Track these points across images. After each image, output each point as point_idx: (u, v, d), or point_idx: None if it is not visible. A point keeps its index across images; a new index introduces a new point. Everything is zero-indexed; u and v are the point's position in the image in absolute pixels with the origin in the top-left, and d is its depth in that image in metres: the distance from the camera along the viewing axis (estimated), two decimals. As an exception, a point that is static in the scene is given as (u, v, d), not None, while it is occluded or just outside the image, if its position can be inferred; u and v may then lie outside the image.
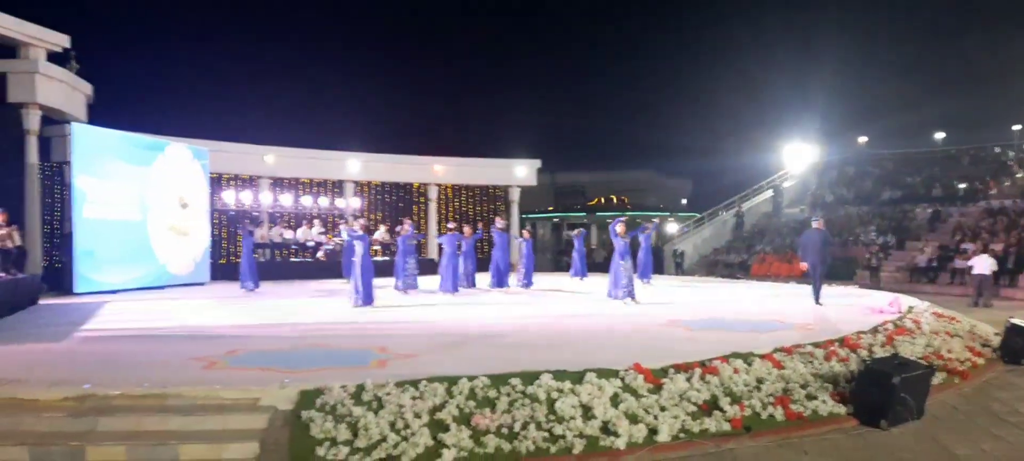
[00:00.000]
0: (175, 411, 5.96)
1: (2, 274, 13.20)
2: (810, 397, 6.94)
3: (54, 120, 19.23)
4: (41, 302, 14.99)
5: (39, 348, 8.93)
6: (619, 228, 14.62)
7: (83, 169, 17.25)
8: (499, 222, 19.75)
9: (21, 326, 11.27)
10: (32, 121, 18.09)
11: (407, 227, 18.00)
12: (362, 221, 17.44)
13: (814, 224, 14.60)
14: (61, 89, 18.84)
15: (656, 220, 17.44)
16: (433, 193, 28.94)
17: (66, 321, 11.86)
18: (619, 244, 14.55)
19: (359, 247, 14.20)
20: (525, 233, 21.05)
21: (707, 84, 55.00)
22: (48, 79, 18.26)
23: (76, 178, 17.16)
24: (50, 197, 19.66)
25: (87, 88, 20.44)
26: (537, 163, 30.71)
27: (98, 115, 20.82)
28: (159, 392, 6.20)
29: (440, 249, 21.98)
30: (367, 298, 13.95)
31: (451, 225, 20.51)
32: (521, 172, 30.05)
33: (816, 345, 8.50)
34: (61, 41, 18.80)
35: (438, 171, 28.77)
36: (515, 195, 30.44)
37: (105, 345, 9.26)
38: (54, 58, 18.76)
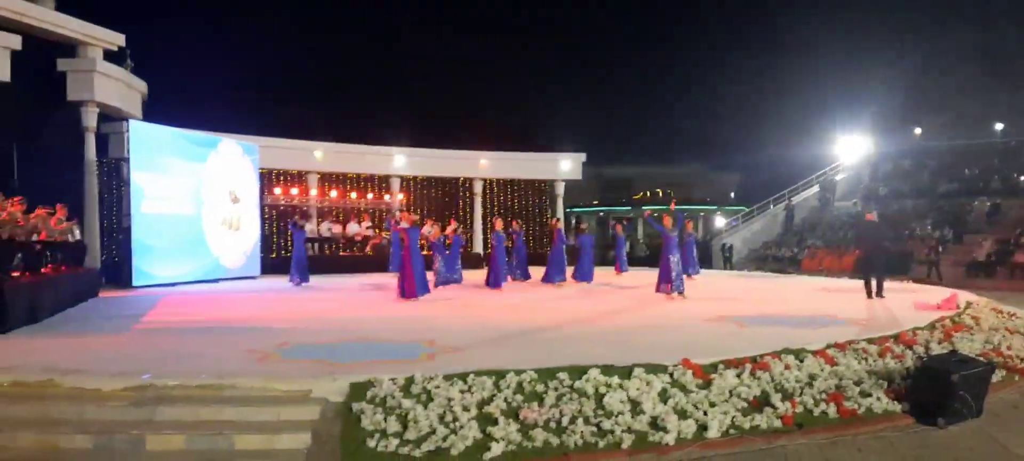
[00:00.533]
0: (230, 402, 6.10)
1: (63, 268, 13.61)
2: (864, 394, 6.81)
3: (111, 117, 19.76)
4: (101, 295, 15.44)
5: (100, 339, 9.21)
6: (667, 222, 14.51)
7: (140, 165, 17.72)
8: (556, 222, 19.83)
9: (83, 318, 11.64)
10: (90, 119, 18.60)
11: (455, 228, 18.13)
12: (410, 215, 17.64)
13: (870, 216, 14.42)
14: (118, 87, 19.34)
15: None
16: (478, 187, 29.04)
17: (125, 313, 12.22)
18: (668, 238, 14.45)
19: (408, 241, 14.42)
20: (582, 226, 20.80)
21: (757, 75, 54.14)
22: (105, 77, 18.75)
23: (133, 174, 17.62)
24: (108, 193, 20.21)
25: (142, 86, 20.94)
26: (582, 157, 30.60)
27: (152, 112, 21.36)
28: (215, 383, 6.35)
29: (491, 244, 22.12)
30: (419, 291, 14.13)
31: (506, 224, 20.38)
32: (566, 166, 29.99)
33: (870, 341, 8.34)
34: (117, 40, 19.30)
35: (483, 165, 28.85)
36: (560, 189, 30.37)
37: (162, 337, 9.52)
38: (110, 57, 19.27)
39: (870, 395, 6.79)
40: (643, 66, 57.24)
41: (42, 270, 12.45)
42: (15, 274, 10.98)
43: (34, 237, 12.27)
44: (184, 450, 5.51)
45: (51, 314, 11.46)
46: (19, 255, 11.44)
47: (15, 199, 12.66)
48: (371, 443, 5.48)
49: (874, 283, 13.90)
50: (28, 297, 10.61)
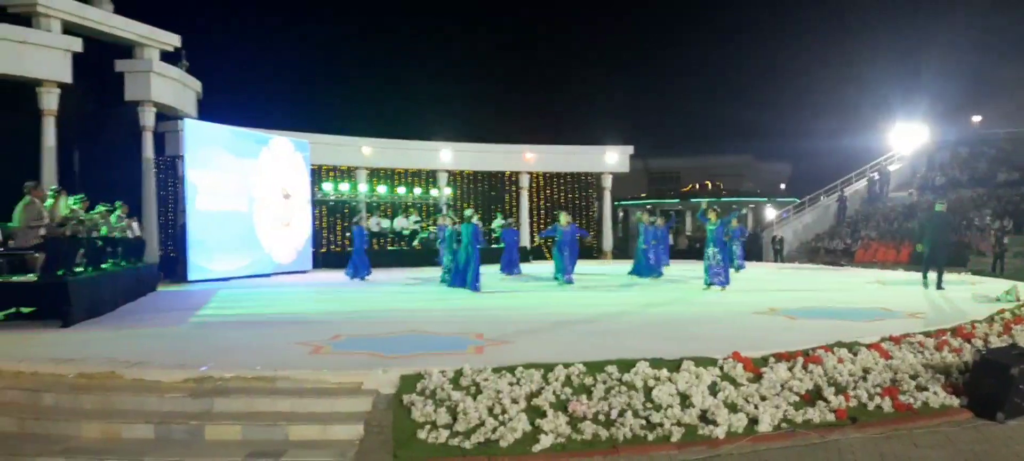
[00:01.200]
0: (285, 393, 6.24)
1: (123, 263, 14.02)
2: (921, 388, 6.67)
3: (167, 116, 20.26)
4: (159, 289, 15.87)
5: (159, 333, 9.49)
6: (711, 215, 14.45)
7: (195, 163, 18.15)
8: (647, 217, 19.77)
9: (143, 312, 11.98)
10: (147, 118, 19.10)
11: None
12: (464, 211, 17.87)
13: (939, 207, 14.21)
14: (173, 87, 19.82)
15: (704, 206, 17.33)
16: (524, 181, 29.08)
17: (182, 307, 12.55)
18: (713, 231, 14.33)
19: (466, 235, 14.71)
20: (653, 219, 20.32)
21: (808, 63, 53.02)
22: (162, 77, 19.24)
23: (189, 171, 18.06)
24: (164, 190, 20.74)
25: (197, 85, 21.43)
26: (629, 149, 30.44)
27: (206, 110, 21.84)
28: (270, 375, 6.50)
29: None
30: (473, 283, 14.67)
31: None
32: (613, 159, 29.86)
33: (926, 334, 8.16)
34: (173, 41, 19.79)
35: (529, 159, 28.88)
36: (607, 182, 30.26)
37: (218, 330, 9.76)
38: (166, 57, 19.76)
39: (927, 389, 6.64)
40: (691, 56, 56.48)
41: (103, 266, 12.83)
42: (78, 270, 11.35)
43: (96, 234, 12.64)
44: (240, 440, 5.65)
45: (112, 308, 11.82)
46: (82, 251, 11.81)
47: (78, 197, 13.07)
48: (422, 434, 5.55)
49: (933, 275, 13.70)
50: (90, 292, 10.95)
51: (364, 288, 15.88)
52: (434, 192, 27.58)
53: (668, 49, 55.89)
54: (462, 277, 15.18)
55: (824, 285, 15.67)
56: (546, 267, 23.16)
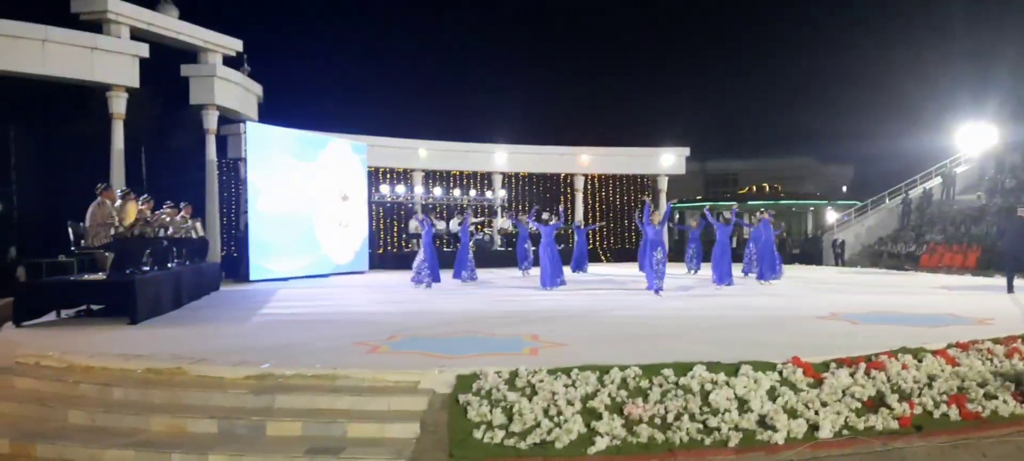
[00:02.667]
0: (344, 391, 6.34)
1: (187, 263, 14.42)
2: (989, 396, 6.45)
3: (229, 119, 20.78)
4: (222, 289, 16.28)
5: (223, 330, 9.75)
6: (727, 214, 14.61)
7: (256, 165, 18.56)
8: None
9: (207, 310, 12.32)
10: (211, 121, 19.63)
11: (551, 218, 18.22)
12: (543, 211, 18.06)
13: (1020, 212, 14.35)
14: (236, 90, 20.33)
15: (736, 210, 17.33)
16: (579, 183, 29.01)
17: (244, 306, 12.86)
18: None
19: (545, 235, 15.31)
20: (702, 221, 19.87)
21: (871, 63, 51.66)
22: (224, 81, 19.75)
23: (250, 173, 18.49)
24: (226, 191, 21.28)
25: (258, 89, 21.94)
26: (686, 151, 30.12)
27: (265, 114, 22.34)
28: (330, 373, 6.62)
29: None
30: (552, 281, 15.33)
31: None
32: (669, 160, 29.58)
33: (996, 341, 7.88)
34: (235, 46, 20.30)
35: (584, 161, 28.80)
36: (663, 184, 30.00)
37: (279, 329, 9.97)
38: (229, 62, 20.28)
39: (996, 397, 6.42)
40: (751, 57, 55.64)
41: (169, 265, 13.22)
42: (145, 269, 11.71)
43: (161, 234, 13.03)
44: (301, 436, 5.76)
45: (176, 306, 12.18)
46: (148, 251, 12.19)
47: (145, 198, 13.49)
48: (477, 434, 5.58)
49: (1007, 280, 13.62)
50: (156, 290, 11.30)
51: (420, 289, 15.96)
52: (489, 194, 27.69)
53: (727, 49, 55.22)
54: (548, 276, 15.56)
55: (888, 290, 15.27)
56: (599, 269, 23.09)
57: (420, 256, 16.54)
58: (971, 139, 32.89)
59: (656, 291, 13.94)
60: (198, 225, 16.17)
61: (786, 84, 53.22)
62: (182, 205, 15.02)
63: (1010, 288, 13.98)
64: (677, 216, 33.00)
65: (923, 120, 39.02)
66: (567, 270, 19.08)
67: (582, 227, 23.57)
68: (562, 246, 26.89)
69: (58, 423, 6.14)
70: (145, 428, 5.96)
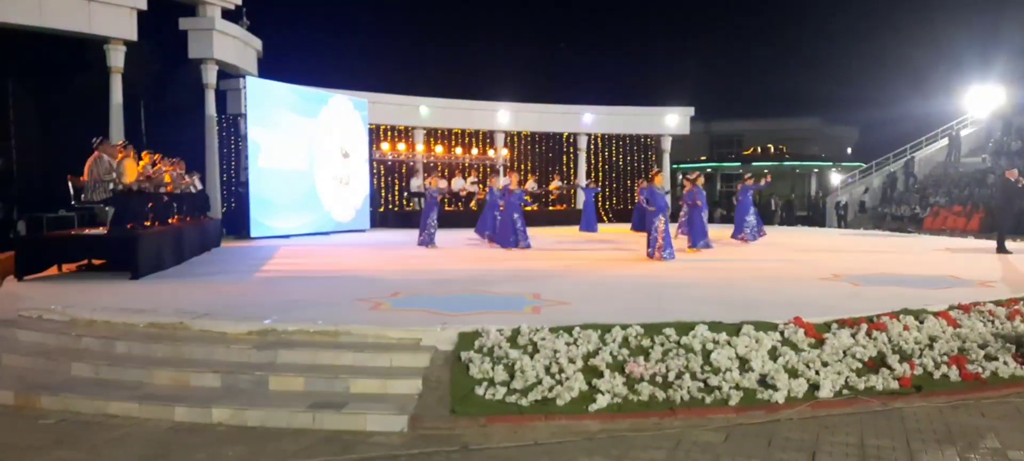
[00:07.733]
0: (346, 347, 6.36)
1: (188, 218, 14.41)
2: (989, 358, 6.47)
3: (228, 74, 20.59)
4: (223, 245, 16.28)
5: (225, 286, 9.75)
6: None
7: (256, 121, 18.45)
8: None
9: (209, 266, 12.33)
10: (210, 75, 19.43)
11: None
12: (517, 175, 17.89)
13: (1008, 173, 14.72)
14: (235, 45, 20.10)
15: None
16: (582, 143, 28.86)
17: (246, 262, 12.87)
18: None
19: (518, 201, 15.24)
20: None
21: (877, 24, 51.09)
22: (223, 35, 19.51)
23: (250, 129, 18.38)
24: (226, 147, 21.15)
25: (257, 43, 21.70)
26: (690, 111, 29.90)
27: (264, 69, 22.12)
28: (332, 329, 6.64)
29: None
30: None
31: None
32: (673, 121, 29.39)
33: (997, 303, 7.90)
34: (234, -1, 20.03)
35: (587, 120, 28.60)
36: (667, 145, 29.85)
37: (281, 285, 9.99)
38: (227, 15, 20.02)
39: (996, 359, 6.44)
40: (757, 16, 54.89)
41: (170, 220, 13.21)
42: (147, 224, 11.70)
43: (161, 189, 13.00)
44: (303, 391, 5.79)
45: (178, 262, 12.18)
46: (149, 206, 12.17)
47: (145, 153, 13.44)
48: (479, 391, 5.60)
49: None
50: (157, 246, 11.30)
51: (422, 248, 15.91)
52: (491, 153, 27.56)
53: (733, 8, 54.50)
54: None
55: (891, 252, 15.26)
56: (605, 229, 23.07)
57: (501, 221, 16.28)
58: (978, 100, 32.63)
59: (668, 257, 13.24)
60: (196, 180, 16.10)
61: (793, 45, 52.66)
62: (174, 160, 14.88)
63: (1000, 247, 14.23)
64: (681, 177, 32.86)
65: (929, 81, 38.72)
66: (575, 229, 19.04)
67: (591, 188, 23.49)
68: (566, 206, 26.97)
69: (62, 376, 6.17)
70: (149, 381, 5.99)
